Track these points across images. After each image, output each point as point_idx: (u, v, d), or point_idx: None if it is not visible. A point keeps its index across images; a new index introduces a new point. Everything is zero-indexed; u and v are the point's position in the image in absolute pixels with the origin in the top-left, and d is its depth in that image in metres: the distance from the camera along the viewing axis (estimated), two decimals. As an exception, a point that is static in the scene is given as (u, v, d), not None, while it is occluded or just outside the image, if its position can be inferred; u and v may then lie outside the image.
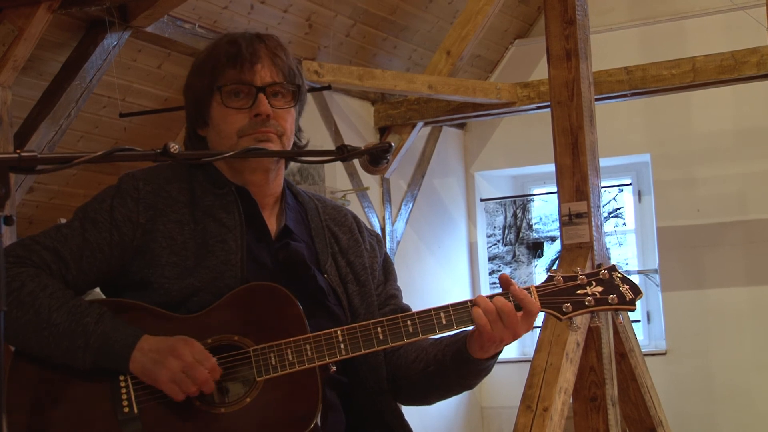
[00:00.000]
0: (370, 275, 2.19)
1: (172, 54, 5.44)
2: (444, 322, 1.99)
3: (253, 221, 2.09)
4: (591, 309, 2.04)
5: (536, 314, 2.00)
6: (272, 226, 2.13)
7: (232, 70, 2.06)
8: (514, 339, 1.99)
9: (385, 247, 2.32)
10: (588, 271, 2.08)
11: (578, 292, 2.04)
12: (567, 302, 2.03)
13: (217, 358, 1.93)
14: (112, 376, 1.94)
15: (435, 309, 2.00)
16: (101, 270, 2.03)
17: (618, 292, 2.05)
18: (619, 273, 2.08)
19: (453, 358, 2.06)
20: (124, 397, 1.93)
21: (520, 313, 1.98)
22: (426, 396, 2.18)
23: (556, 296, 2.03)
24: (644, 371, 4.70)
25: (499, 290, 2.04)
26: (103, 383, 1.94)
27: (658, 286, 7.34)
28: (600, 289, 2.05)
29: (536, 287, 2.03)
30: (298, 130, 2.18)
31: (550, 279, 2.05)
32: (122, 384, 1.94)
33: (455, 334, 2.06)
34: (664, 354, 7.17)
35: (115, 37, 4.92)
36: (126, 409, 1.92)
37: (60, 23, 4.79)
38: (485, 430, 7.68)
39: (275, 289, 1.99)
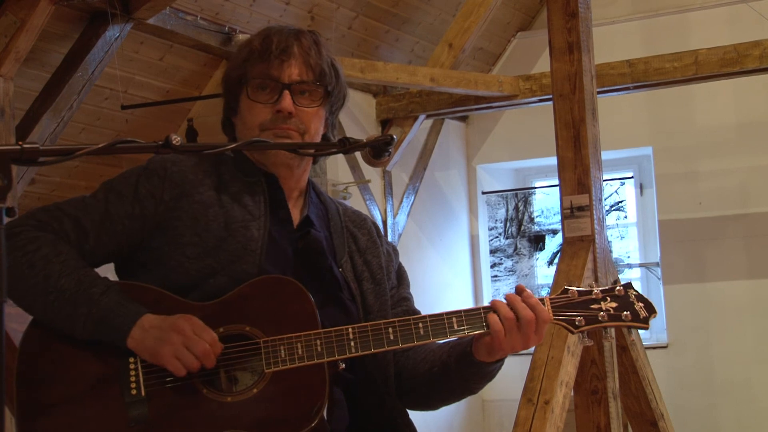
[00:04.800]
0: (385, 276, 2.21)
1: (174, 46, 5.44)
2: (455, 327, 2.00)
3: (278, 209, 2.12)
4: (604, 324, 2.05)
5: (547, 323, 2.00)
6: (295, 216, 2.15)
7: (262, 65, 2.10)
8: (524, 348, 2.00)
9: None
10: (603, 286, 2.08)
11: (592, 306, 2.05)
12: (580, 316, 2.04)
13: (228, 347, 1.95)
14: (122, 358, 1.95)
15: (447, 313, 2.01)
16: (119, 242, 2.05)
17: (632, 309, 2.06)
18: (635, 291, 2.08)
19: (457, 359, 2.07)
20: (133, 379, 1.94)
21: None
22: (429, 398, 2.19)
23: (570, 309, 2.04)
24: (645, 364, 4.70)
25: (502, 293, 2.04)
26: (113, 364, 1.96)
27: (659, 279, 7.34)
28: (614, 305, 2.05)
29: (550, 299, 2.03)
30: (333, 128, 2.20)
31: (564, 291, 2.05)
32: (132, 366, 1.95)
33: (462, 337, 2.06)
34: (665, 347, 7.17)
35: (117, 29, 4.92)
36: (134, 392, 1.93)
37: (62, 15, 4.79)
38: (486, 422, 7.69)
39: (290, 283, 2.00)
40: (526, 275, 7.95)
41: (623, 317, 2.04)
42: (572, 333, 2.05)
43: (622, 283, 2.08)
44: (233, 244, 2.03)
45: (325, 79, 2.12)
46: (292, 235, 2.12)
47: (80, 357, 1.97)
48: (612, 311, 2.04)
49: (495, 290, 7.95)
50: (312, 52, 2.11)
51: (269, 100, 2.09)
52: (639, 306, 2.06)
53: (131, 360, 1.95)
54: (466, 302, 7.73)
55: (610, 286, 2.07)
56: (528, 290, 2.01)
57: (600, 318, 2.04)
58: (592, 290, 2.05)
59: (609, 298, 2.05)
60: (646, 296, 2.08)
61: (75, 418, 1.94)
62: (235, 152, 2.17)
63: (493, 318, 1.97)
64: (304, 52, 2.10)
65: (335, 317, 2.04)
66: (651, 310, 2.06)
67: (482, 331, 1.99)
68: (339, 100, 2.19)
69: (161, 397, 1.94)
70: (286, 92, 2.08)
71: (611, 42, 6.90)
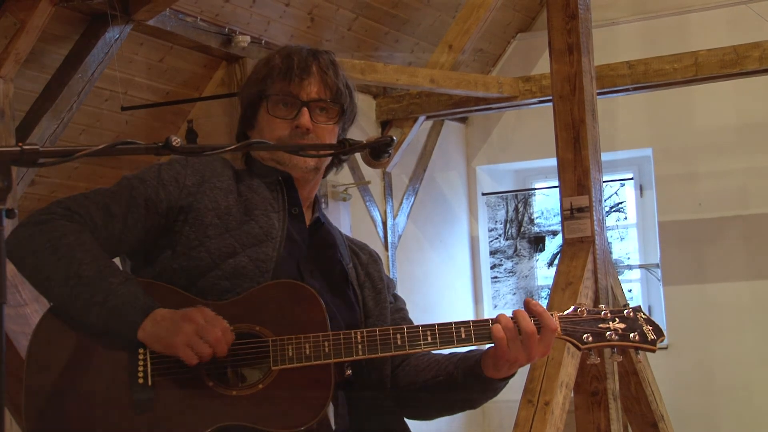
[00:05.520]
0: (385, 288, 2.27)
1: (174, 47, 5.44)
2: (463, 336, 2.03)
3: (292, 206, 2.19)
4: (611, 344, 2.06)
5: (553, 332, 2.02)
6: (306, 218, 2.23)
7: (282, 82, 2.19)
8: (529, 361, 2.02)
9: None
10: (613, 308, 2.10)
11: (600, 325, 2.07)
12: (588, 333, 2.06)
13: (237, 344, 1.98)
14: (131, 348, 1.99)
15: (456, 323, 2.04)
16: (145, 226, 2.09)
17: (640, 331, 2.07)
18: (644, 314, 2.10)
19: (464, 372, 2.11)
20: (141, 368, 1.98)
21: (538, 336, 2.01)
22: (428, 408, 2.23)
23: (578, 326, 2.06)
24: (645, 365, 4.70)
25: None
26: (122, 354, 1.99)
27: (659, 280, 7.34)
28: (623, 326, 2.07)
29: (559, 315, 2.05)
30: None
31: (574, 309, 2.07)
32: (141, 357, 1.98)
33: (470, 350, 2.09)
34: (665, 348, 7.17)
35: (117, 30, 4.92)
36: (141, 381, 1.97)
37: (62, 16, 4.79)
38: (486, 423, 7.69)
39: (303, 288, 2.04)
40: (526, 276, 7.95)
41: (631, 338, 2.06)
42: (579, 349, 2.07)
43: (632, 306, 2.11)
44: (255, 228, 2.10)
45: (341, 98, 2.21)
46: (305, 232, 2.19)
47: (92, 345, 2.00)
48: (620, 331, 2.07)
49: (495, 291, 7.95)
50: (330, 71, 2.20)
51: (288, 116, 2.18)
52: (647, 329, 2.08)
53: (141, 351, 1.98)
54: (466, 303, 7.73)
55: (620, 308, 2.09)
56: (534, 302, 2.04)
57: (608, 337, 2.06)
58: (602, 310, 2.08)
59: (618, 319, 2.08)
60: (654, 320, 2.10)
61: (82, 404, 1.98)
62: (248, 160, 2.27)
63: (496, 327, 2.00)
64: (322, 72, 2.20)
65: (341, 310, 2.10)
66: (659, 333, 2.08)
67: (489, 342, 2.02)
68: (351, 118, 2.28)
69: (167, 387, 1.97)
70: (305, 109, 2.17)
71: (611, 43, 6.90)
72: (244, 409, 1.96)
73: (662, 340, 2.08)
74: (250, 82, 2.26)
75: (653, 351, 2.08)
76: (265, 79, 2.21)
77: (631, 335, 2.06)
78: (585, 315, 2.07)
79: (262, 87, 2.21)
